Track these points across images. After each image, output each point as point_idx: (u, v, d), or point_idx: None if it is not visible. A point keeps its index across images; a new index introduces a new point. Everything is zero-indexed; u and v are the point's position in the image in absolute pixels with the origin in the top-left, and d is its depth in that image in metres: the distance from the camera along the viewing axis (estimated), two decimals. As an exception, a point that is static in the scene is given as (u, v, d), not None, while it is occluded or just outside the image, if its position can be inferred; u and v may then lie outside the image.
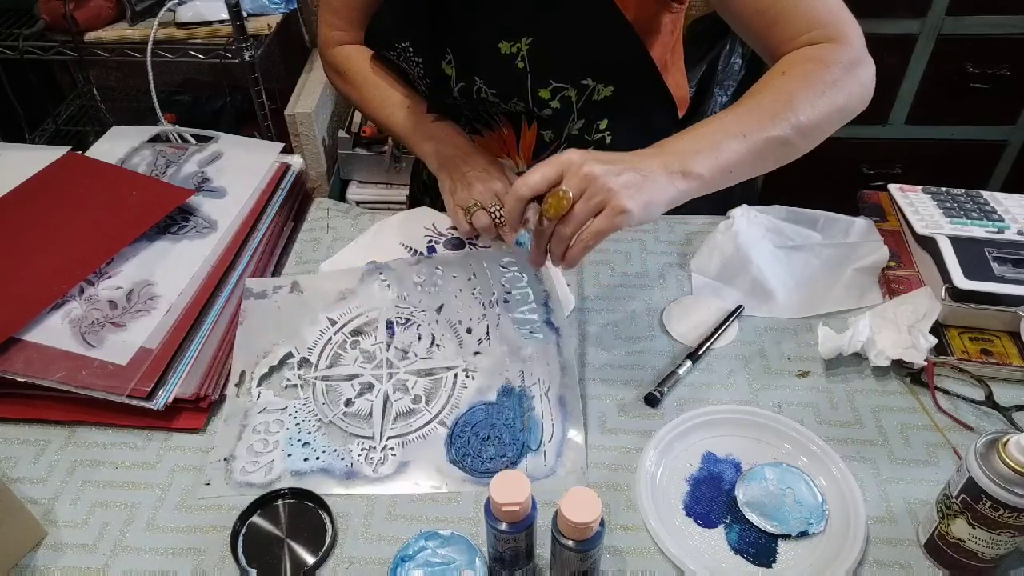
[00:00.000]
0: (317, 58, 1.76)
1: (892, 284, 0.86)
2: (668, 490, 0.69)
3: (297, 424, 0.75)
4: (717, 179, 0.69)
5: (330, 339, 0.82)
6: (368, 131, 1.82)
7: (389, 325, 0.82)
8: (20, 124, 1.83)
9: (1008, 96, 1.86)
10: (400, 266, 0.86)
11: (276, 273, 0.94)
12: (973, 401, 0.76)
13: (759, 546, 0.65)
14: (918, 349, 0.77)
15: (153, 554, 0.65)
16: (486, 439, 0.73)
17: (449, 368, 0.79)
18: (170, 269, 0.85)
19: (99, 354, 0.76)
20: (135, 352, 0.76)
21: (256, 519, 0.67)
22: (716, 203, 0.99)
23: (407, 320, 0.83)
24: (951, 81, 1.84)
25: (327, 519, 0.67)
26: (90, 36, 1.62)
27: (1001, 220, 0.88)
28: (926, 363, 0.77)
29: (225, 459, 0.72)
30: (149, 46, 1.58)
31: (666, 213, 0.99)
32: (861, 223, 0.93)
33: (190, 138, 1.12)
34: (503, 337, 0.80)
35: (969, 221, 0.87)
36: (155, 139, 1.08)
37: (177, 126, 1.14)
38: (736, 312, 0.85)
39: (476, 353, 0.80)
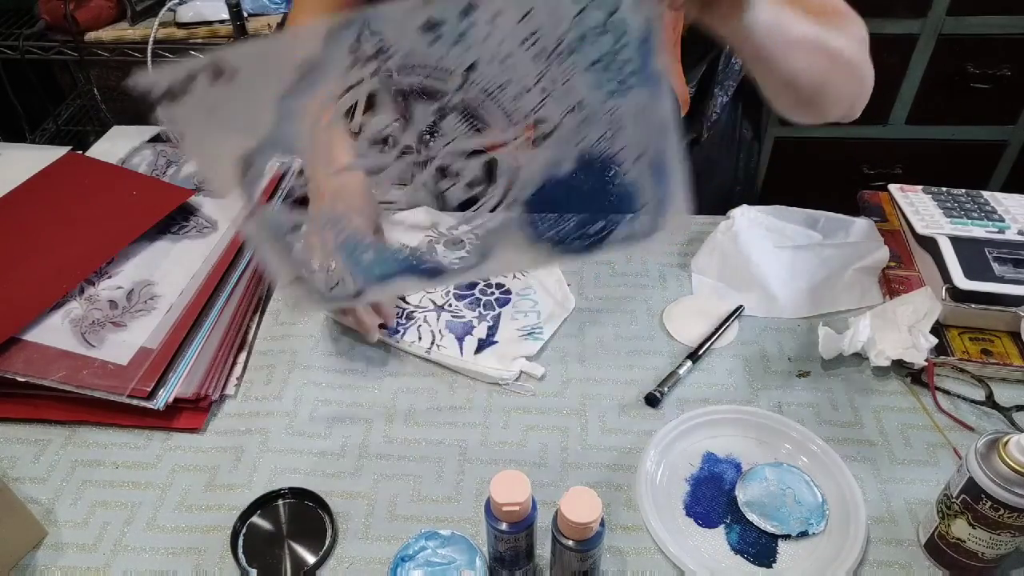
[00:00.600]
0: (317, 58, 1.76)
1: (892, 284, 0.86)
2: (668, 490, 0.69)
3: (346, 233, 0.63)
4: (769, 32, 0.62)
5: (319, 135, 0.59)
6: (368, 131, 1.81)
7: (401, 96, 0.57)
8: (20, 124, 1.83)
9: (1008, 96, 1.85)
10: (394, 13, 0.53)
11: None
12: (973, 401, 0.76)
13: (759, 546, 0.65)
14: (918, 349, 0.77)
15: (153, 554, 0.65)
16: (569, 213, 0.60)
17: (497, 146, 0.59)
18: (170, 269, 0.85)
19: (99, 354, 0.76)
20: (135, 352, 0.76)
21: (256, 519, 0.67)
22: (716, 203, 0.99)
23: (421, 93, 0.57)
24: (951, 81, 1.84)
25: (327, 519, 0.67)
26: (90, 36, 1.62)
27: (1001, 220, 0.88)
28: (926, 363, 0.77)
29: (300, 278, 0.63)
30: (149, 46, 1.58)
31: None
32: (861, 223, 0.93)
33: (190, 138, 1.12)
34: (573, 96, 0.56)
35: (969, 221, 0.87)
36: (155, 139, 1.08)
37: (177, 126, 1.14)
38: (736, 312, 0.85)
39: (538, 122, 0.57)
